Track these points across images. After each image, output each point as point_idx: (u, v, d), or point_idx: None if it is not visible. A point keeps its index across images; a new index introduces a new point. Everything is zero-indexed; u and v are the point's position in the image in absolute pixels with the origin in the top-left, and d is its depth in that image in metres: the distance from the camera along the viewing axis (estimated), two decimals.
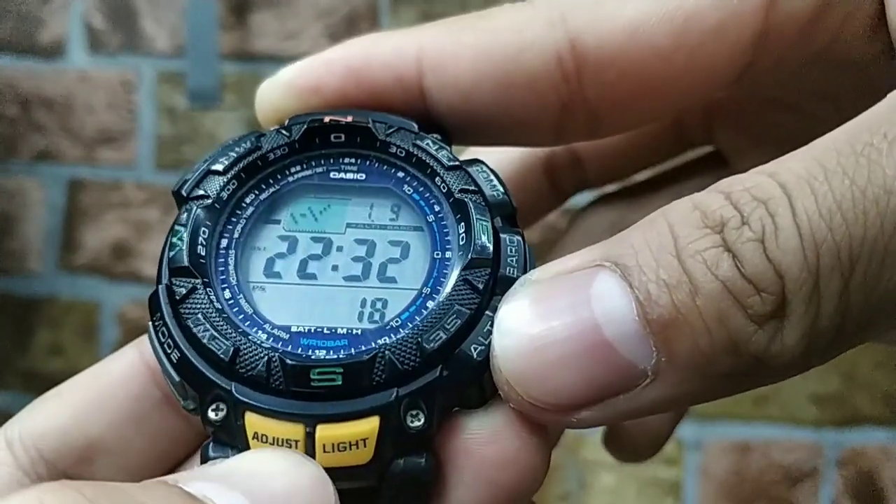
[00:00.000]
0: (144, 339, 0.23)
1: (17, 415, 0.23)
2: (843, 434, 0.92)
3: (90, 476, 0.22)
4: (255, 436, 0.19)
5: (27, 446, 0.22)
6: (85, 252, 0.92)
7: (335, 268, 0.22)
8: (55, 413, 0.22)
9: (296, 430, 0.19)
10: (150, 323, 0.21)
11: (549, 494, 0.88)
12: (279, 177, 0.23)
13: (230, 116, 0.92)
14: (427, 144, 0.23)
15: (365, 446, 0.19)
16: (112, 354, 0.23)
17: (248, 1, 0.92)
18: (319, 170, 0.24)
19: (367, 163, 0.24)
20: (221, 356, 0.20)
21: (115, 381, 0.22)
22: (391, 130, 0.23)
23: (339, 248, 0.23)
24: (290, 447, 0.19)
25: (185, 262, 0.21)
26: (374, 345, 0.20)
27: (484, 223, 0.21)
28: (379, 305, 0.21)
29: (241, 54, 0.92)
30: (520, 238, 0.22)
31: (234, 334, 0.20)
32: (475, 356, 0.20)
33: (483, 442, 0.20)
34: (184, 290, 0.21)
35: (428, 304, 0.21)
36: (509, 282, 0.21)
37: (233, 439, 0.20)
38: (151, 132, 0.92)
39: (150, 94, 0.92)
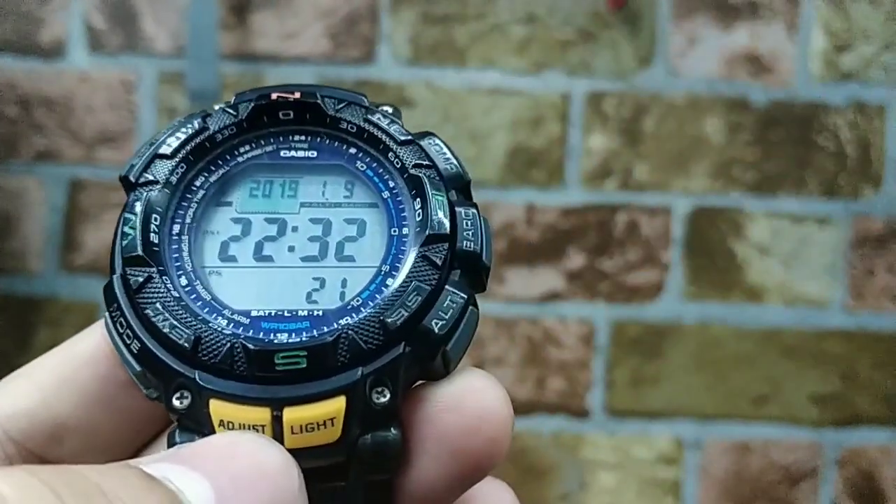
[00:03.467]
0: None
1: None
2: (844, 434, 0.92)
3: (59, 456, 0.22)
4: (222, 423, 0.19)
5: None
6: (85, 252, 0.92)
7: (291, 248, 0.22)
8: (23, 394, 0.22)
9: (262, 415, 0.19)
10: (107, 314, 0.21)
11: (549, 494, 0.88)
12: (228, 157, 0.23)
13: None
14: (378, 119, 0.23)
15: (333, 425, 0.19)
16: (77, 335, 0.23)
17: (248, 1, 0.92)
18: (269, 148, 0.23)
19: (318, 139, 0.23)
20: (183, 345, 0.20)
21: (82, 362, 0.22)
22: (341, 106, 0.23)
23: (295, 229, 0.22)
24: (258, 431, 0.19)
25: (139, 251, 0.21)
26: (336, 325, 0.20)
27: (439, 198, 0.21)
28: (339, 285, 0.21)
29: (242, 54, 0.92)
30: (475, 211, 0.22)
31: (194, 322, 0.20)
32: (437, 330, 0.20)
33: (445, 409, 0.20)
34: (140, 280, 0.20)
35: (387, 282, 0.21)
36: (466, 255, 0.21)
37: (199, 426, 0.19)
38: (152, 132, 0.92)
39: (150, 94, 0.92)
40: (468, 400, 0.20)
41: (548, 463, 0.88)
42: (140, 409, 0.22)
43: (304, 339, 0.20)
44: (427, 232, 0.21)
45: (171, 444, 0.20)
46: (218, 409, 0.19)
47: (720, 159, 0.92)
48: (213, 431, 0.19)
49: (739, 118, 0.92)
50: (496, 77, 0.92)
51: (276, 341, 0.20)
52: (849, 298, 0.93)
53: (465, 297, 0.21)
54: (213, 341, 0.20)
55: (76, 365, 0.22)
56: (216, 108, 0.23)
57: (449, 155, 0.23)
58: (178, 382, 0.20)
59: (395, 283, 0.21)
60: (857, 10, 0.92)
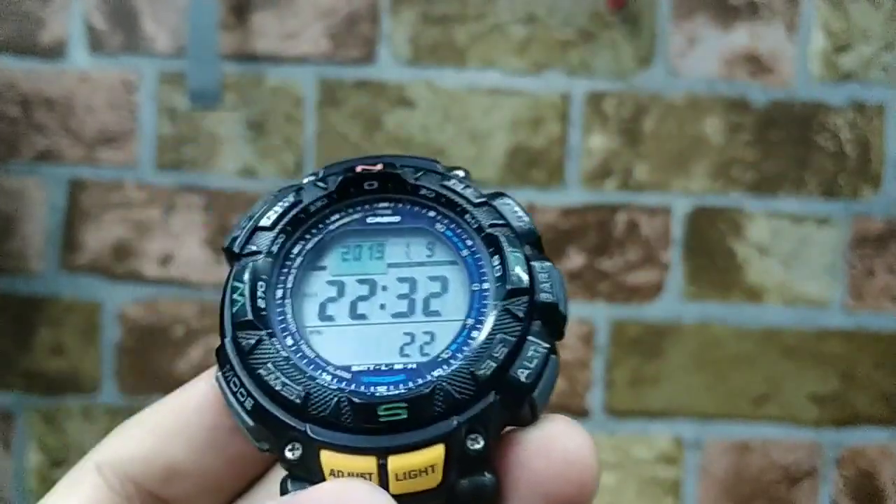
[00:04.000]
0: (214, 370, 0.24)
1: (103, 441, 0.25)
2: (843, 434, 0.93)
3: (173, 495, 0.25)
4: (332, 472, 0.21)
5: (116, 470, 0.24)
6: (86, 252, 0.92)
7: (382, 306, 0.24)
8: (139, 440, 0.24)
9: (369, 463, 0.21)
10: (220, 374, 0.23)
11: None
12: (321, 226, 0.25)
13: (231, 117, 0.92)
14: (453, 184, 0.25)
15: (433, 472, 0.21)
16: (185, 385, 0.25)
17: (248, 1, 0.92)
18: (357, 216, 0.25)
19: (401, 205, 0.25)
20: (294, 401, 0.21)
21: (191, 412, 0.24)
22: (419, 174, 0.25)
23: (384, 288, 0.24)
24: (366, 479, 0.21)
25: (250, 316, 0.23)
26: (430, 377, 0.22)
27: (516, 254, 0.23)
28: (427, 339, 0.23)
29: (242, 54, 0.92)
30: (549, 264, 0.23)
31: (302, 379, 0.22)
32: (524, 379, 0.22)
33: (534, 455, 0.22)
34: (251, 342, 0.22)
35: (473, 335, 0.22)
36: (545, 306, 0.23)
37: (310, 475, 0.21)
38: (152, 132, 0.92)
39: (150, 94, 0.92)
40: (555, 445, 0.21)
41: None
42: (243, 453, 0.24)
43: (402, 391, 0.21)
44: (507, 287, 0.23)
45: (283, 492, 0.22)
46: (328, 459, 0.21)
47: (720, 159, 0.92)
48: (323, 480, 0.21)
49: (739, 118, 0.92)
50: (496, 77, 0.92)
51: (377, 394, 0.21)
52: (849, 298, 0.93)
53: (548, 346, 0.22)
54: (320, 396, 0.21)
55: (186, 414, 0.24)
56: (306, 181, 0.25)
57: (521, 213, 0.24)
58: (289, 435, 0.21)
59: (480, 336, 0.22)
60: (856, 11, 0.92)
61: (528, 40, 0.92)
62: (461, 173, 0.25)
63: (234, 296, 0.23)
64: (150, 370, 0.92)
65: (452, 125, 0.92)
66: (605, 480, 0.92)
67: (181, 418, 0.24)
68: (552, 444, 0.21)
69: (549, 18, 0.92)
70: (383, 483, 0.21)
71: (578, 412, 0.92)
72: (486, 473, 0.21)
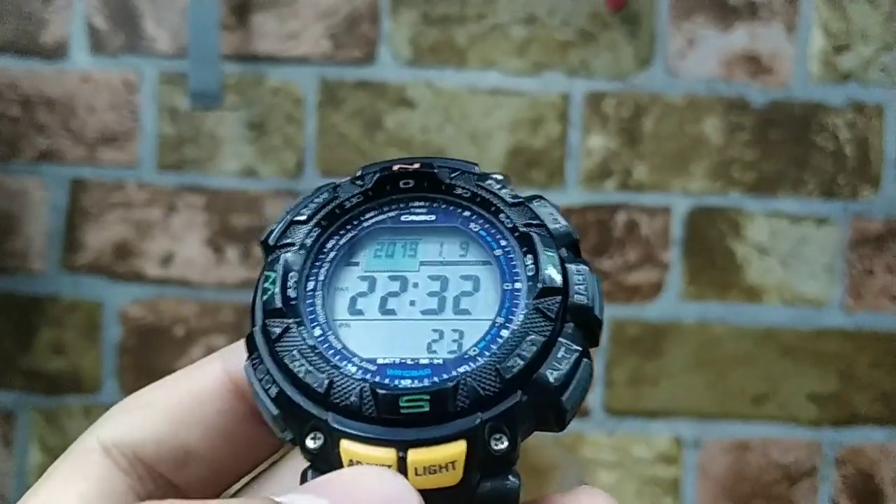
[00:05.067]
0: (225, 352, 0.25)
1: (101, 422, 0.25)
2: (842, 433, 0.93)
3: (183, 478, 0.24)
4: (351, 462, 0.21)
5: (125, 452, 0.24)
6: (87, 252, 0.93)
7: (412, 303, 0.24)
8: (151, 423, 0.24)
9: (389, 455, 0.20)
10: (248, 361, 0.23)
11: (548, 493, 0.89)
12: (356, 222, 0.25)
13: (231, 117, 0.92)
14: (489, 184, 0.25)
15: (454, 468, 0.20)
16: (192, 366, 0.25)
17: (249, 1, 0.92)
18: (392, 214, 0.25)
19: (435, 205, 0.25)
20: (317, 388, 0.21)
21: (206, 396, 0.24)
22: (455, 174, 0.25)
23: (415, 285, 0.24)
24: None
25: (279, 305, 0.23)
26: (455, 373, 0.21)
27: (550, 254, 0.23)
28: (456, 336, 0.23)
29: (243, 55, 0.92)
30: (586, 267, 0.23)
31: (327, 368, 0.22)
32: (552, 380, 0.21)
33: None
34: (279, 330, 0.22)
35: (502, 333, 0.22)
36: (579, 308, 0.22)
37: (330, 465, 0.21)
38: (153, 132, 0.93)
39: (151, 94, 0.93)
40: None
41: (547, 462, 0.88)
42: (256, 437, 0.24)
43: (426, 384, 0.21)
44: (539, 286, 0.22)
45: (302, 481, 0.22)
46: (348, 448, 0.21)
47: (719, 159, 0.92)
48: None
49: (738, 118, 0.92)
50: (496, 78, 0.92)
51: (400, 386, 0.21)
52: (848, 298, 0.93)
53: (580, 349, 0.22)
54: (344, 385, 0.21)
55: (201, 399, 0.24)
56: (344, 181, 0.25)
57: (557, 215, 0.24)
58: (311, 424, 0.21)
59: (509, 333, 0.22)
60: (855, 11, 0.92)
61: (528, 41, 0.92)
62: (499, 176, 0.25)
63: (266, 284, 0.23)
64: (150, 370, 0.93)
65: (452, 125, 0.92)
66: (604, 479, 0.92)
67: (197, 402, 0.24)
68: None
69: (548, 19, 0.92)
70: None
71: (578, 412, 0.92)
72: (510, 477, 0.21)
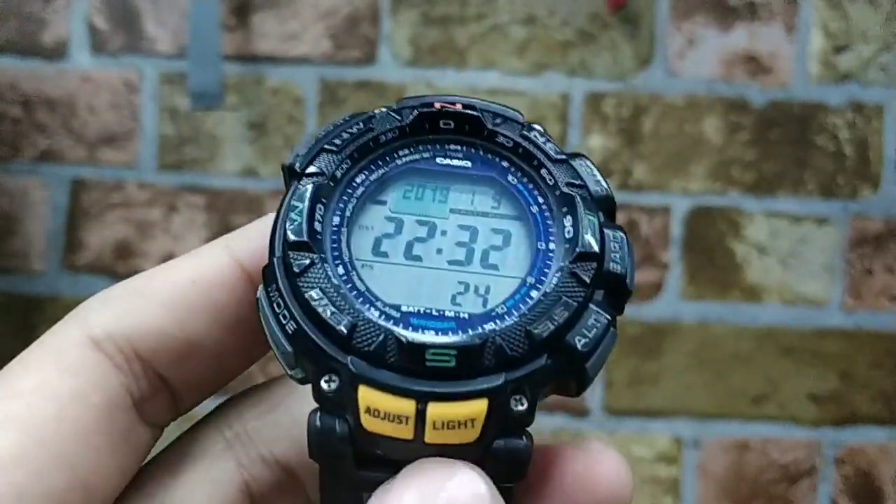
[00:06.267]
0: (229, 238, 0.23)
1: (84, 310, 0.22)
2: (842, 433, 0.93)
3: (182, 375, 0.22)
4: (368, 409, 0.20)
5: (120, 345, 0.21)
6: (87, 252, 0.93)
7: (439, 251, 0.23)
8: (152, 313, 0.22)
9: (408, 406, 0.20)
10: (264, 293, 0.21)
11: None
12: (388, 159, 0.24)
13: (231, 117, 0.92)
14: (534, 136, 0.24)
15: (472, 426, 0.20)
16: (192, 252, 0.23)
17: (249, 2, 0.92)
18: (427, 155, 0.24)
19: (473, 150, 0.24)
20: (340, 330, 0.20)
21: (214, 282, 0.22)
22: (498, 120, 0.24)
23: (443, 233, 0.23)
24: (401, 422, 0.20)
25: (305, 237, 0.21)
26: (481, 329, 0.21)
27: (591, 218, 0.22)
28: (482, 291, 0.22)
29: (243, 55, 0.92)
30: (622, 234, 0.22)
31: (350, 309, 0.21)
32: (580, 347, 0.21)
33: (580, 489, 0.21)
34: (304, 264, 0.21)
35: (532, 294, 0.22)
36: (612, 277, 0.22)
37: (342, 410, 0.20)
38: (153, 133, 0.93)
39: (152, 94, 0.93)
40: (603, 484, 0.21)
41: None
42: (261, 335, 0.23)
43: (451, 338, 0.20)
44: (578, 250, 0.22)
45: (310, 424, 0.20)
46: (366, 395, 0.20)
47: (719, 159, 0.93)
48: (357, 416, 0.20)
49: (738, 118, 0.93)
50: (496, 78, 0.92)
51: (426, 336, 0.20)
52: (847, 298, 0.93)
53: (609, 317, 0.21)
54: (368, 330, 0.20)
55: (209, 286, 0.22)
56: (380, 110, 0.24)
57: (599, 177, 0.23)
58: (329, 366, 0.20)
59: (541, 294, 0.21)
60: (855, 11, 0.92)
61: (528, 41, 0.92)
62: (542, 129, 0.24)
63: (292, 214, 0.22)
64: None
65: None
66: None
67: (203, 289, 0.22)
68: (600, 483, 0.21)
69: (548, 19, 0.92)
70: (419, 430, 0.20)
71: (578, 411, 0.92)
72: (522, 437, 0.21)
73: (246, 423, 0.23)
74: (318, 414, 0.20)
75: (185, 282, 0.22)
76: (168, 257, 0.92)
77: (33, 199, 0.93)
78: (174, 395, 0.23)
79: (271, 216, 0.23)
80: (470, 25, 0.92)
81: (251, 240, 0.23)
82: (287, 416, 0.23)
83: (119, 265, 0.93)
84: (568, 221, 0.22)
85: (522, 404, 0.20)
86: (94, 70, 0.93)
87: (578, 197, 0.22)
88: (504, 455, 0.20)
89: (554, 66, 0.92)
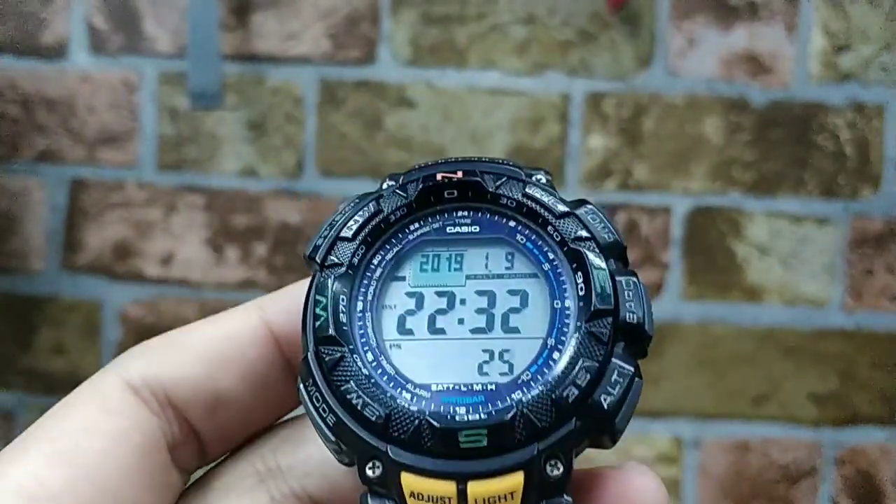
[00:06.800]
0: (262, 301, 0.24)
1: (124, 360, 0.23)
2: (842, 433, 0.93)
3: (211, 425, 0.23)
4: (412, 494, 0.21)
5: (156, 392, 0.23)
6: (87, 252, 0.93)
7: (461, 321, 0.24)
8: (186, 365, 0.23)
9: (449, 488, 0.21)
10: (303, 387, 0.22)
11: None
12: (400, 235, 0.25)
13: (231, 117, 0.92)
14: (536, 193, 0.24)
15: (513, 498, 0.21)
16: (227, 311, 0.24)
17: (249, 2, 0.92)
18: (436, 225, 0.25)
19: (480, 214, 0.25)
20: (376, 422, 0.21)
21: (247, 342, 0.23)
22: (500, 182, 0.24)
23: (463, 302, 0.24)
24: (445, 502, 0.21)
25: (332, 332, 0.23)
26: (509, 400, 0.21)
27: (601, 272, 0.23)
28: (506, 357, 0.23)
29: (243, 55, 0.92)
30: (635, 280, 0.23)
31: (384, 398, 0.22)
32: (606, 406, 0.21)
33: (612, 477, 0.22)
34: (335, 358, 0.22)
35: (554, 356, 0.22)
36: (630, 327, 0.22)
37: (389, 492, 0.21)
38: (153, 132, 0.93)
39: (151, 94, 0.93)
40: (639, 502, 0.22)
41: None
42: (288, 389, 0.24)
43: (482, 416, 0.21)
44: (592, 307, 0.22)
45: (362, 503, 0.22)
46: (409, 481, 0.21)
47: (719, 159, 0.92)
48: (403, 499, 0.21)
49: (739, 118, 0.92)
50: (496, 77, 0.92)
51: (457, 419, 0.21)
52: (848, 298, 0.93)
53: (632, 370, 0.22)
54: (402, 419, 0.21)
55: (240, 344, 0.23)
56: (385, 186, 0.25)
57: (605, 223, 0.24)
58: (370, 454, 0.21)
59: (562, 359, 0.22)
60: (855, 11, 0.92)
61: (528, 41, 0.92)
62: (542, 178, 0.25)
63: (317, 310, 0.23)
64: None
65: (452, 125, 0.92)
66: None
67: (235, 346, 0.23)
68: (634, 499, 0.22)
69: (548, 19, 0.92)
70: None
71: None
72: (564, 496, 0.21)
73: (278, 458, 0.24)
74: (368, 496, 0.22)
75: (220, 339, 0.24)
76: (168, 257, 0.93)
77: (33, 198, 0.93)
78: (202, 443, 0.24)
79: (303, 283, 0.24)
80: (470, 25, 0.92)
81: (282, 304, 0.24)
82: (318, 452, 0.24)
83: (118, 265, 0.93)
84: (579, 278, 0.23)
85: (558, 468, 0.21)
86: (93, 70, 0.93)
87: (587, 251, 0.23)
88: None
89: (554, 65, 0.92)
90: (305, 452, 0.24)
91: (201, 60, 0.87)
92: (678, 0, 0.92)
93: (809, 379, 0.93)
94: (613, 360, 0.22)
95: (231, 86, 0.92)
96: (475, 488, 0.21)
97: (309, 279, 0.24)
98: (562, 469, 0.21)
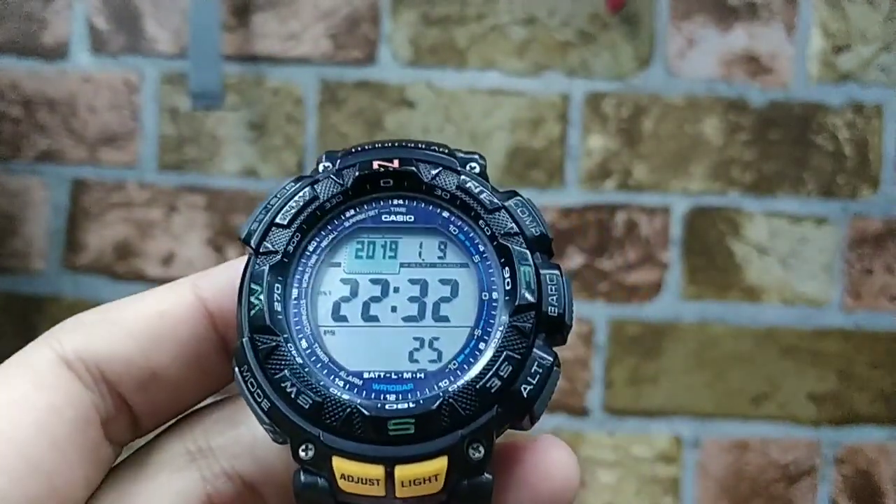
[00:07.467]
0: (195, 278, 0.25)
1: (59, 331, 0.24)
2: (842, 432, 0.93)
3: (143, 400, 0.24)
4: (343, 476, 0.22)
5: (89, 366, 0.23)
6: (88, 252, 0.93)
7: (394, 309, 0.24)
8: (119, 340, 0.23)
9: (378, 471, 0.22)
10: (238, 372, 0.23)
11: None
12: (336, 223, 0.25)
13: (232, 117, 0.92)
14: (469, 185, 0.25)
15: (437, 480, 0.22)
16: (159, 288, 0.24)
17: (249, 2, 0.92)
18: (372, 213, 0.25)
19: (415, 204, 0.25)
20: (308, 409, 0.23)
21: (180, 318, 0.24)
22: (436, 172, 0.25)
23: (396, 290, 0.25)
24: (374, 484, 0.22)
25: (267, 322, 0.23)
26: (437, 388, 0.23)
27: (527, 268, 0.24)
28: (436, 345, 0.24)
29: (243, 55, 0.92)
30: (557, 273, 0.24)
31: (317, 386, 0.23)
32: (526, 394, 0.23)
33: (541, 480, 0.23)
34: (269, 346, 0.23)
35: (480, 346, 0.24)
36: (551, 320, 0.23)
37: (320, 471, 0.23)
38: (154, 133, 0.93)
39: (152, 94, 0.93)
40: (557, 474, 0.23)
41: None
42: (220, 368, 0.24)
43: (411, 405, 0.23)
44: (516, 302, 0.23)
45: (297, 483, 0.23)
46: (339, 464, 0.22)
47: (719, 159, 0.93)
48: (334, 480, 0.22)
49: (738, 119, 0.93)
50: (496, 78, 0.92)
51: (387, 407, 0.23)
52: (847, 298, 0.93)
53: (551, 359, 0.23)
54: (334, 407, 0.23)
55: (174, 321, 0.24)
56: (322, 168, 0.25)
57: (534, 216, 0.25)
58: (303, 437, 0.23)
59: (487, 350, 0.23)
60: (855, 12, 0.92)
61: (528, 41, 0.92)
62: (476, 166, 0.25)
63: (252, 298, 0.23)
64: None
65: (453, 125, 0.92)
66: (604, 479, 0.92)
67: (169, 324, 0.24)
68: (555, 473, 0.23)
69: (548, 20, 0.92)
70: (389, 488, 0.22)
71: (578, 411, 0.92)
72: (484, 474, 0.23)
73: (209, 438, 0.24)
74: (301, 472, 0.23)
75: (154, 315, 0.24)
76: (168, 257, 0.93)
77: (34, 199, 0.93)
78: (135, 417, 0.24)
79: (238, 262, 0.24)
80: (470, 25, 0.92)
81: (216, 282, 0.24)
82: (249, 433, 0.24)
83: (119, 265, 0.93)
84: (507, 272, 0.24)
85: (480, 452, 0.22)
86: (94, 70, 0.93)
87: (513, 247, 0.24)
88: (469, 491, 0.23)
89: (554, 66, 0.92)
90: (236, 433, 0.24)
91: (202, 61, 0.87)
92: (678, 0, 0.92)
93: (809, 378, 0.93)
94: (535, 350, 0.23)
95: (232, 86, 0.92)
96: (402, 471, 0.22)
97: (244, 259, 0.24)
98: (483, 452, 0.22)
